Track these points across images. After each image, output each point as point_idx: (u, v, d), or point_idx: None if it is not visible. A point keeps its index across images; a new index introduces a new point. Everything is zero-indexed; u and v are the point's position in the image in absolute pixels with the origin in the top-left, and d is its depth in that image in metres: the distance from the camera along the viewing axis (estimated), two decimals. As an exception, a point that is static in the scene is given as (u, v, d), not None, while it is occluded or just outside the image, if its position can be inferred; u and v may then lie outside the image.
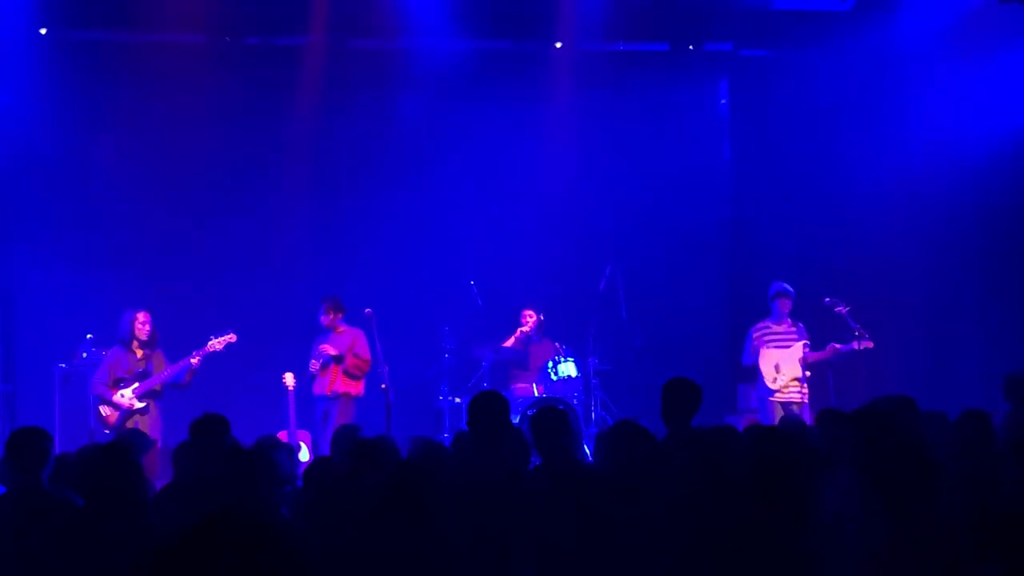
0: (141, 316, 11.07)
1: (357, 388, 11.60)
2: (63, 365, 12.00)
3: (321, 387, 11.56)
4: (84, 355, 11.91)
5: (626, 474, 5.64)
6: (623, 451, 5.79)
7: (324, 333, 11.78)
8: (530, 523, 5.38)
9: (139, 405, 10.90)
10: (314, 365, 11.59)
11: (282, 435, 11.12)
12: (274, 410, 11.50)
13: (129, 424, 10.78)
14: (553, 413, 6.49)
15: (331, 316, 11.73)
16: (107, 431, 10.73)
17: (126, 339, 11.05)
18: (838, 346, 11.50)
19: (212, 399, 11.35)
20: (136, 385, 10.93)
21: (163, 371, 11.05)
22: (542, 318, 12.76)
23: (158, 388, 11.04)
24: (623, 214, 14.20)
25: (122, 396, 10.88)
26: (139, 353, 11.06)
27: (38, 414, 11.68)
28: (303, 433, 11.41)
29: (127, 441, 7.53)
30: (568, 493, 5.54)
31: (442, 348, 12.73)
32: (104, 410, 10.93)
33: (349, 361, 11.48)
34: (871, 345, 11.43)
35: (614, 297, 13.14)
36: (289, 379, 11.44)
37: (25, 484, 5.76)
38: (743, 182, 14.60)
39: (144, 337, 11.06)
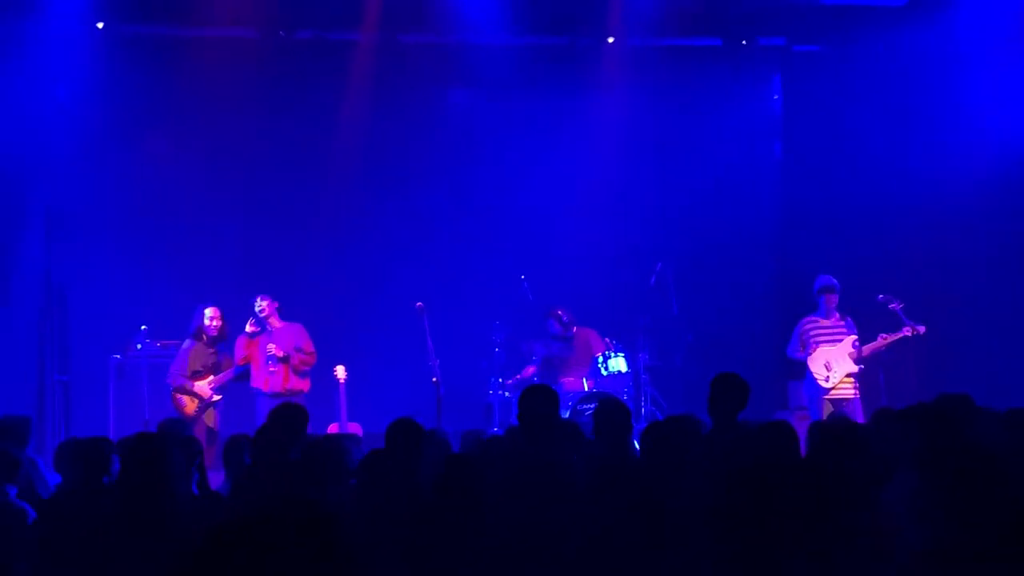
0: (211, 311, 11.28)
1: (307, 385, 11.43)
2: (118, 356, 12.14)
3: (274, 385, 11.28)
4: (139, 346, 12.07)
5: (671, 468, 5.65)
6: (669, 445, 5.81)
7: (262, 329, 11.48)
8: (580, 514, 5.40)
9: (216, 397, 11.19)
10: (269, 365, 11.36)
11: (333, 427, 11.19)
12: (325, 402, 11.54)
13: (206, 417, 11.07)
14: (620, 407, 6.55)
15: (265, 308, 11.42)
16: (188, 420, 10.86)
17: (198, 333, 11.26)
18: (887, 335, 11.37)
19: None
20: (211, 378, 11.21)
21: (233, 365, 11.32)
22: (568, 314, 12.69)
23: (225, 382, 11.31)
24: (674, 210, 14.18)
25: (201, 387, 11.12)
26: (210, 347, 11.29)
27: (93, 405, 11.88)
28: (354, 425, 11.45)
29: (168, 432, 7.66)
30: (619, 485, 5.55)
31: (492, 342, 12.74)
32: (184, 400, 11.13)
33: (296, 359, 11.30)
34: (922, 330, 11.29)
35: (664, 293, 13.09)
36: (340, 372, 11.50)
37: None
38: (794, 178, 14.51)
39: (215, 332, 11.28)
